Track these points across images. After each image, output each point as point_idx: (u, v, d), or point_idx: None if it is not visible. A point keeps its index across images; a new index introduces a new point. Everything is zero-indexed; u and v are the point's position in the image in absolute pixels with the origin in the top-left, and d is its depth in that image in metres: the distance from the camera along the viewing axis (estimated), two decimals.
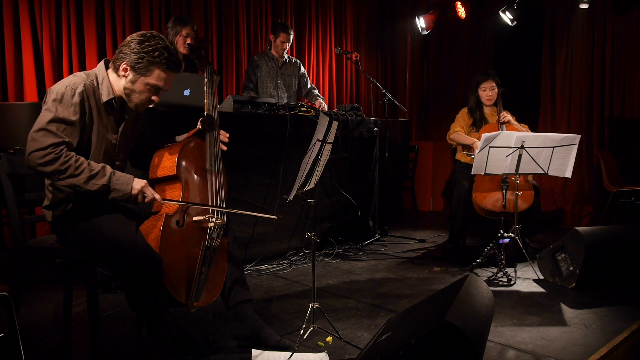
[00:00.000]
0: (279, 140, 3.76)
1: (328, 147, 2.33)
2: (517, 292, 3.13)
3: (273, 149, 3.76)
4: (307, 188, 2.33)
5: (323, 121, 2.28)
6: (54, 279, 3.09)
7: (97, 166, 1.92)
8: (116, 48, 4.44)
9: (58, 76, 4.14)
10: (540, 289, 3.18)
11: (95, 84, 2.04)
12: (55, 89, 1.94)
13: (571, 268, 3.16)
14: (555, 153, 3.19)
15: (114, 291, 3.04)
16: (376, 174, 4.59)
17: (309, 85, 4.78)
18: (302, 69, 4.78)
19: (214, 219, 2.14)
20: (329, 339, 2.34)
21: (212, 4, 5.09)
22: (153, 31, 2.08)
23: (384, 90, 4.66)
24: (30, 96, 3.96)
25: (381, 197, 4.76)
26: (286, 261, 3.76)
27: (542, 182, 5.51)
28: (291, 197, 2.32)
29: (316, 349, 2.25)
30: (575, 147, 3.17)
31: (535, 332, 2.46)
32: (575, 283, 3.11)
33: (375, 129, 4.51)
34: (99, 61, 4.29)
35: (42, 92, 4.05)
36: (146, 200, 1.98)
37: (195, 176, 2.22)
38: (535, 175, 3.53)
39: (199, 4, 4.95)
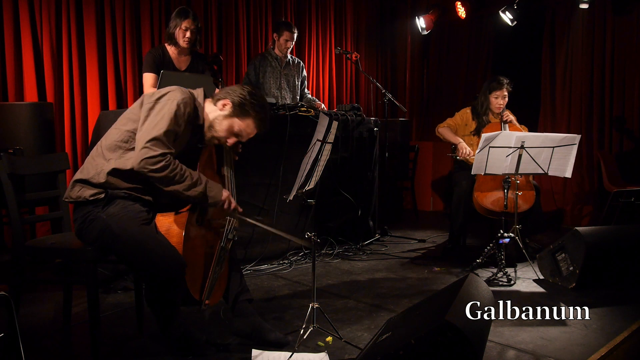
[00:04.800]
0: (279, 140, 3.76)
1: (328, 147, 2.34)
2: (517, 292, 3.13)
3: (273, 148, 3.76)
4: (307, 188, 2.34)
5: (323, 121, 2.28)
6: (54, 279, 3.09)
7: (194, 174, 2.06)
8: (116, 49, 4.50)
9: (58, 76, 4.14)
10: (540, 289, 3.18)
11: (195, 105, 2.17)
12: (168, 100, 2.05)
13: (571, 268, 3.16)
14: (555, 153, 3.19)
15: (114, 291, 3.04)
16: (376, 174, 4.59)
17: (306, 90, 4.76)
18: (304, 72, 4.75)
19: (230, 220, 2.22)
20: (329, 339, 2.34)
21: (212, 3, 5.09)
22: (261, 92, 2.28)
23: (384, 90, 4.66)
24: (30, 96, 3.96)
25: (381, 197, 4.76)
26: (286, 261, 3.76)
27: (542, 182, 5.51)
28: (291, 197, 2.34)
29: (316, 349, 2.25)
30: (575, 147, 3.17)
31: (535, 332, 2.46)
32: (575, 283, 3.11)
33: (375, 129, 4.51)
34: (99, 61, 4.36)
35: (42, 92, 4.05)
36: (232, 208, 2.15)
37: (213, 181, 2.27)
38: (535, 175, 3.53)
39: (199, 4, 4.95)
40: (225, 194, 2.13)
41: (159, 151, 1.96)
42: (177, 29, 3.59)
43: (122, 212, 2.03)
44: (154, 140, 1.97)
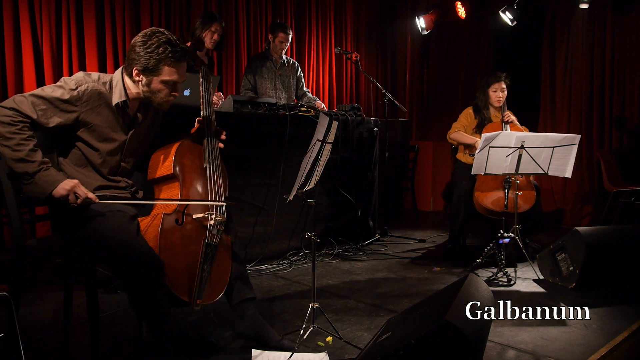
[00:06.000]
0: (279, 140, 3.76)
1: (328, 147, 2.33)
2: (517, 292, 3.13)
3: (273, 149, 3.77)
4: (307, 188, 2.33)
5: (323, 121, 2.28)
6: (54, 279, 3.08)
7: (38, 157, 1.92)
8: (116, 48, 4.50)
9: (58, 76, 4.13)
10: (540, 289, 3.18)
11: (108, 87, 2.11)
12: (66, 77, 2.06)
13: (571, 268, 3.16)
14: (555, 153, 3.19)
15: (114, 291, 3.04)
16: (376, 174, 4.59)
17: (304, 89, 4.77)
18: (300, 71, 4.77)
19: (213, 216, 2.14)
20: (329, 339, 2.34)
21: (212, 4, 5.09)
22: (153, 28, 2.11)
23: (384, 90, 4.66)
24: None
25: (381, 197, 4.76)
26: (286, 261, 3.76)
27: (542, 182, 5.51)
28: (291, 197, 2.33)
29: (316, 349, 2.25)
30: (575, 147, 3.17)
31: (535, 332, 2.46)
32: (575, 283, 3.11)
33: (375, 129, 4.51)
34: (99, 61, 4.36)
35: None
36: (78, 201, 1.94)
37: (193, 175, 2.23)
38: (535, 175, 3.53)
39: (199, 4, 4.95)
40: (67, 186, 1.92)
41: (14, 107, 1.89)
42: (206, 31, 3.94)
43: (99, 215, 2.01)
44: (22, 97, 1.92)
